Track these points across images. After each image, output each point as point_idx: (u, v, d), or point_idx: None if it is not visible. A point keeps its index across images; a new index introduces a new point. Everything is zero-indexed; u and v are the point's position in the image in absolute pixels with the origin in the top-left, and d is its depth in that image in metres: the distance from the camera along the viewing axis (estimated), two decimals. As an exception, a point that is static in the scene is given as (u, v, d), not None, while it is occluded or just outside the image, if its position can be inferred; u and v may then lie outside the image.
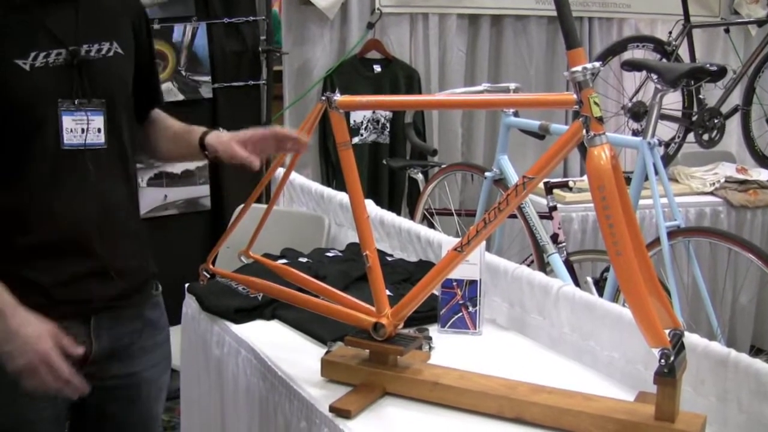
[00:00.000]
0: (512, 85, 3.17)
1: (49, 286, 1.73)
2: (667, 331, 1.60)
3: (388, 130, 4.62)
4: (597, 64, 1.61)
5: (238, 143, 1.93)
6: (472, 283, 2.20)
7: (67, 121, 1.71)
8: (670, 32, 4.65)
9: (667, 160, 4.49)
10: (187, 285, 2.49)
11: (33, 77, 1.68)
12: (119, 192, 1.82)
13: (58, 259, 1.74)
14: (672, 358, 1.55)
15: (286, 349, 2.11)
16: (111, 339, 1.84)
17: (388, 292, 1.93)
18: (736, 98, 4.67)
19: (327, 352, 1.99)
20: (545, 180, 3.29)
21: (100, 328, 1.82)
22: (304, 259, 2.58)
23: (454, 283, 2.19)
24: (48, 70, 1.69)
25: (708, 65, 3.15)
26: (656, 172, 2.89)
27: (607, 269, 3.20)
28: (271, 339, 2.18)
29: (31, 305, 1.71)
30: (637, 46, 4.53)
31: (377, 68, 4.58)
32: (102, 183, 1.77)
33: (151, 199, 3.89)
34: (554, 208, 3.30)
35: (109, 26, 1.81)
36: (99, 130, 1.75)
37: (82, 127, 1.72)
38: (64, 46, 1.71)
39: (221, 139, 1.96)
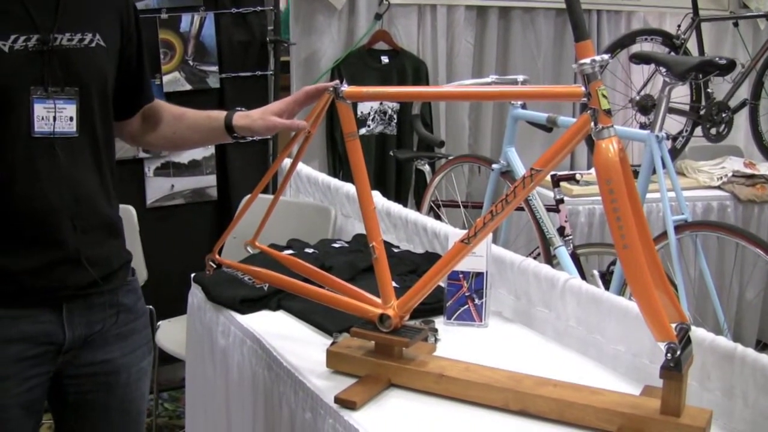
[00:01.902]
0: (520, 77, 3.16)
1: (19, 273, 1.73)
2: (673, 325, 1.60)
3: (395, 121, 4.62)
4: (605, 56, 1.60)
5: (274, 114, 1.97)
6: (479, 276, 2.19)
7: (39, 109, 1.70)
8: (679, 25, 4.64)
9: (675, 153, 4.48)
10: (193, 275, 2.50)
11: (10, 60, 1.67)
12: (91, 181, 1.81)
13: (28, 247, 1.74)
14: (678, 353, 1.55)
15: (292, 340, 2.11)
16: (84, 326, 1.83)
17: (394, 284, 1.93)
18: (744, 92, 4.66)
19: (332, 343, 1.99)
20: (552, 173, 3.29)
21: (73, 316, 1.81)
22: (310, 250, 2.58)
23: (461, 275, 2.19)
24: (27, 54, 1.69)
25: (717, 59, 3.13)
26: (664, 166, 2.89)
27: (613, 262, 3.19)
28: (276, 329, 2.18)
29: (1, 293, 1.72)
30: (646, 39, 4.52)
31: (385, 59, 4.57)
32: (73, 172, 1.76)
33: (157, 188, 3.89)
34: (561, 201, 3.30)
35: (93, 17, 1.79)
36: (71, 119, 1.74)
37: (53, 115, 1.72)
38: (38, 32, 1.70)
39: (253, 116, 1.99)
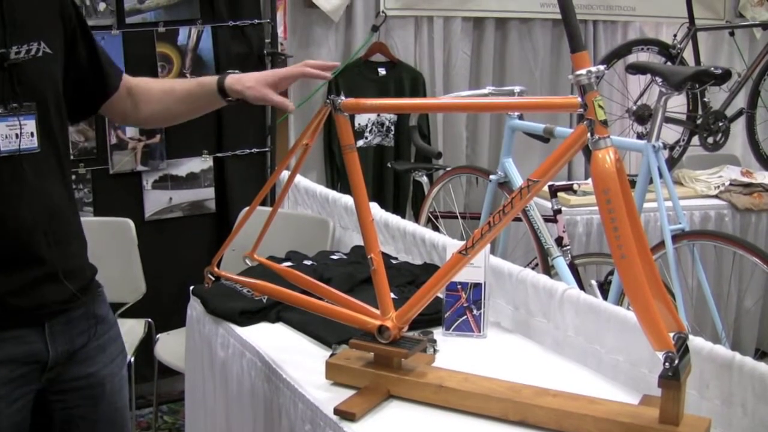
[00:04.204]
0: (517, 88, 3.17)
1: (3, 295, 1.70)
2: (671, 335, 1.60)
3: (392, 133, 4.63)
4: (601, 67, 1.61)
5: (268, 86, 1.95)
6: (477, 286, 2.20)
7: (1, 128, 1.67)
8: (675, 35, 4.65)
9: (672, 163, 4.49)
10: (191, 287, 2.50)
11: None
12: (59, 194, 1.79)
13: (8, 267, 1.71)
14: (676, 362, 1.55)
15: (291, 352, 2.11)
16: (66, 342, 1.81)
17: (392, 295, 1.93)
18: (740, 101, 4.67)
19: (331, 355, 1.99)
20: (550, 183, 3.29)
21: (55, 333, 1.79)
22: (308, 262, 2.58)
23: (459, 286, 2.20)
24: None
25: (713, 68, 3.14)
26: (661, 176, 2.89)
27: (611, 272, 3.20)
28: (275, 341, 2.18)
29: None
30: (642, 49, 4.53)
31: (382, 71, 4.59)
32: (42, 187, 1.73)
33: (155, 201, 3.90)
34: (559, 211, 3.30)
35: (34, 25, 1.74)
36: (32, 134, 1.71)
37: (16, 133, 1.68)
38: None
39: (246, 83, 1.96)
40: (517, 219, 3.15)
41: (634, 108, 4.23)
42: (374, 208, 2.75)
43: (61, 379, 1.83)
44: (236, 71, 2.02)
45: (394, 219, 2.76)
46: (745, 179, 4.59)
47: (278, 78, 1.98)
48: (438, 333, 2.20)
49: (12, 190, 1.69)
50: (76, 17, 1.85)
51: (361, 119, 4.53)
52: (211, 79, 2.01)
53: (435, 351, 2.08)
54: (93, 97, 1.95)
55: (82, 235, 1.89)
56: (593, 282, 3.26)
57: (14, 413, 1.75)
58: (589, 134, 1.59)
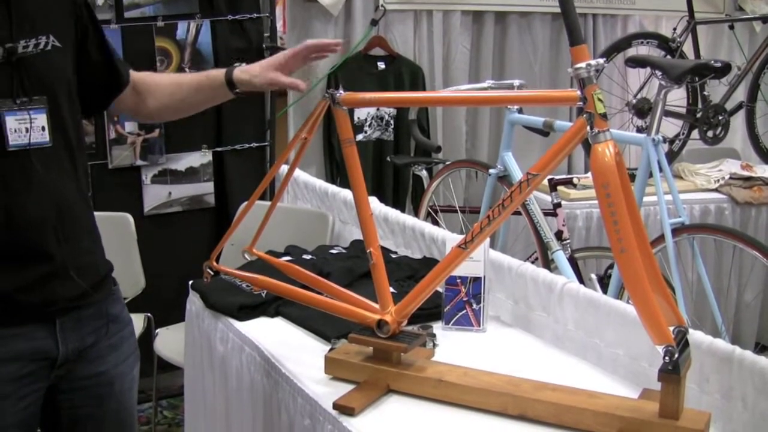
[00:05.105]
0: (516, 82, 3.16)
1: (11, 291, 1.70)
2: (671, 329, 1.60)
3: (392, 127, 4.62)
4: (601, 60, 1.61)
5: (275, 70, 1.96)
6: (477, 280, 2.20)
7: (10, 122, 1.66)
8: (675, 29, 4.65)
9: (672, 156, 4.49)
10: (191, 282, 2.50)
11: None
12: (70, 189, 1.78)
13: (17, 263, 1.70)
14: (676, 356, 1.55)
15: (290, 347, 2.11)
16: (77, 340, 1.80)
17: (392, 289, 1.93)
18: (740, 95, 4.66)
19: (331, 350, 1.99)
20: (549, 177, 3.29)
21: (66, 330, 1.78)
22: (308, 256, 2.58)
23: (459, 280, 2.19)
24: None
25: (712, 62, 3.13)
26: (660, 169, 2.89)
27: (611, 266, 3.19)
28: (274, 336, 2.18)
29: None
30: (642, 42, 4.52)
31: (381, 65, 4.58)
32: (52, 182, 1.72)
33: (155, 196, 3.89)
34: (558, 205, 3.30)
35: (43, 19, 1.73)
36: (43, 128, 1.70)
37: (26, 127, 1.68)
38: (1, 44, 1.66)
39: (252, 71, 1.98)
40: (517, 213, 3.15)
41: (634, 101, 4.21)
42: (374, 202, 2.75)
43: (71, 377, 1.83)
44: (241, 64, 2.02)
45: (393, 213, 2.76)
46: (745, 173, 4.58)
47: (284, 59, 1.98)
48: (437, 327, 2.20)
49: (20, 185, 1.69)
50: (88, 14, 1.86)
51: (361, 113, 4.52)
52: (218, 72, 2.02)
53: (434, 345, 2.08)
54: (105, 93, 1.95)
55: (95, 231, 1.89)
56: (593, 276, 3.26)
57: (21, 411, 1.75)
58: (588, 128, 1.59)
